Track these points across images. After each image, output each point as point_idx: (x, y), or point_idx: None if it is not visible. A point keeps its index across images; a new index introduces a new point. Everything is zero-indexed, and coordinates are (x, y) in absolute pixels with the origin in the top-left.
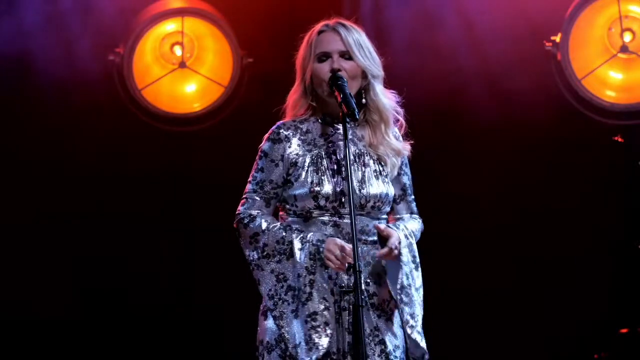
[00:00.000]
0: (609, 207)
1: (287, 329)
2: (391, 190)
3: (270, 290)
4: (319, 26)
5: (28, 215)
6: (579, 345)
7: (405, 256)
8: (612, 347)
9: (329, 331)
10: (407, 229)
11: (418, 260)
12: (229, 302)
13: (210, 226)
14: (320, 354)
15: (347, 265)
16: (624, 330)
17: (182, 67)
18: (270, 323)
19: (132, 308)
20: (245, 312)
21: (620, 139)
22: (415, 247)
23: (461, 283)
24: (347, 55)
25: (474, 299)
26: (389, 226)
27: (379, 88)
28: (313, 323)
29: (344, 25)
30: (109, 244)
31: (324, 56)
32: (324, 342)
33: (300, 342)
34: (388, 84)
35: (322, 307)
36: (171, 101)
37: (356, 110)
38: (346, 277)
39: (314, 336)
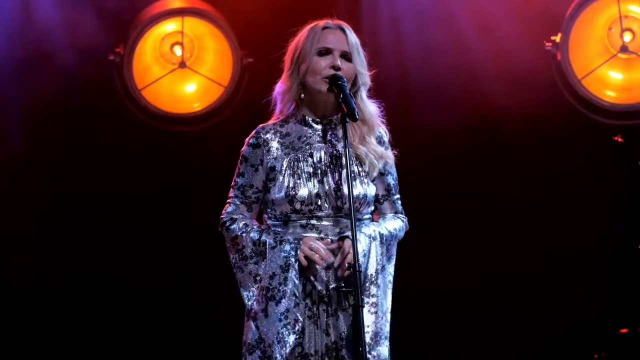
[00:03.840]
0: (609, 207)
1: (264, 329)
2: (370, 191)
3: (249, 291)
4: (322, 22)
5: (26, 214)
6: (579, 345)
7: (364, 265)
8: (612, 347)
9: (297, 327)
10: (376, 231)
11: (385, 261)
12: (229, 302)
13: (210, 226)
14: (288, 350)
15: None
16: (624, 330)
17: (182, 67)
18: (252, 324)
19: (131, 307)
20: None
21: (620, 139)
22: (384, 249)
23: (461, 282)
24: (347, 56)
25: (474, 298)
26: (346, 236)
27: (365, 96)
28: (285, 321)
29: (348, 27)
30: (108, 244)
31: (326, 51)
32: (291, 338)
33: (273, 340)
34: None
35: (292, 304)
36: (171, 101)
37: (356, 110)
38: (323, 275)
39: (284, 333)
